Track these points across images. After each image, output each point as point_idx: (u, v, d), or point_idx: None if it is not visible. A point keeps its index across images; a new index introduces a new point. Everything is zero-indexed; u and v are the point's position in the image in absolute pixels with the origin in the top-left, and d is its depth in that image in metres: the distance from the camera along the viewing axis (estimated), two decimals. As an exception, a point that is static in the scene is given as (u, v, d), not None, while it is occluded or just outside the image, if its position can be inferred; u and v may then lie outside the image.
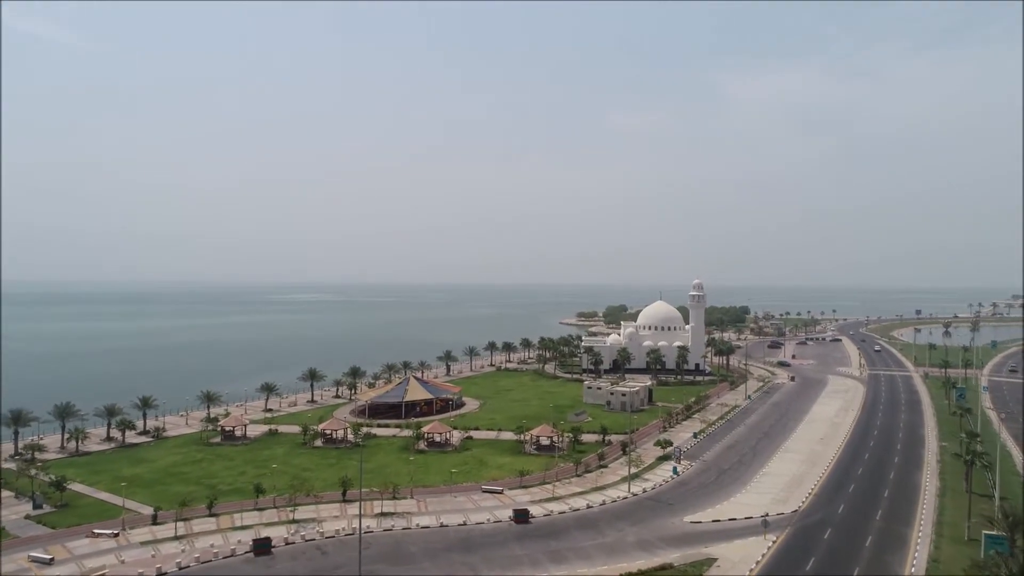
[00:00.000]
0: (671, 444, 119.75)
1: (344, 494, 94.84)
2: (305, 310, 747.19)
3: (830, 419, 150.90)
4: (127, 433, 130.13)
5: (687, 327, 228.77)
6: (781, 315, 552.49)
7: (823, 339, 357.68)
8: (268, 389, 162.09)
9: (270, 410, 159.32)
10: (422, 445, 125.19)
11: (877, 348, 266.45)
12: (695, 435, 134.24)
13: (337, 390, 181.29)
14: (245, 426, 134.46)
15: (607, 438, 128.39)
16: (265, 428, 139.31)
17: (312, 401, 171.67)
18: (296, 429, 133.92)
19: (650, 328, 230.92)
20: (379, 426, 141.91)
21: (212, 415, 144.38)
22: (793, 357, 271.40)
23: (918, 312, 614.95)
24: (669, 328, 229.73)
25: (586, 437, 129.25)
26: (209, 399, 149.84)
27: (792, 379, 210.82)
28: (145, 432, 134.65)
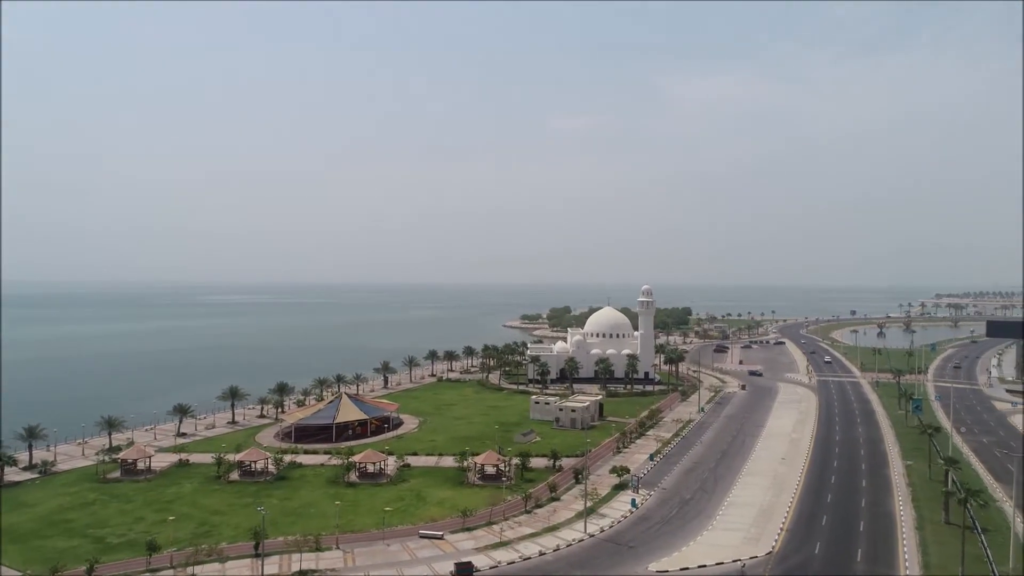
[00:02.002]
0: (627, 471, 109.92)
1: (257, 547, 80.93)
2: (233, 313, 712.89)
3: (788, 434, 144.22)
4: (7, 470, 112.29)
5: (636, 333, 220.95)
6: (723, 316, 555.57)
7: (767, 342, 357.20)
8: (182, 411, 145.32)
9: (183, 434, 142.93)
10: (353, 476, 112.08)
11: (828, 360, 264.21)
12: (651, 457, 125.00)
13: (262, 409, 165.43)
14: (149, 458, 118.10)
15: (558, 463, 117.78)
16: (175, 458, 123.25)
17: (233, 422, 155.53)
18: (211, 459, 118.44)
19: (598, 335, 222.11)
20: (306, 452, 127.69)
21: (113, 444, 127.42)
22: (740, 363, 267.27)
23: (853, 312, 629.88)
24: (617, 335, 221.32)
25: (535, 461, 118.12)
26: (110, 425, 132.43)
27: (743, 387, 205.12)
28: (31, 467, 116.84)
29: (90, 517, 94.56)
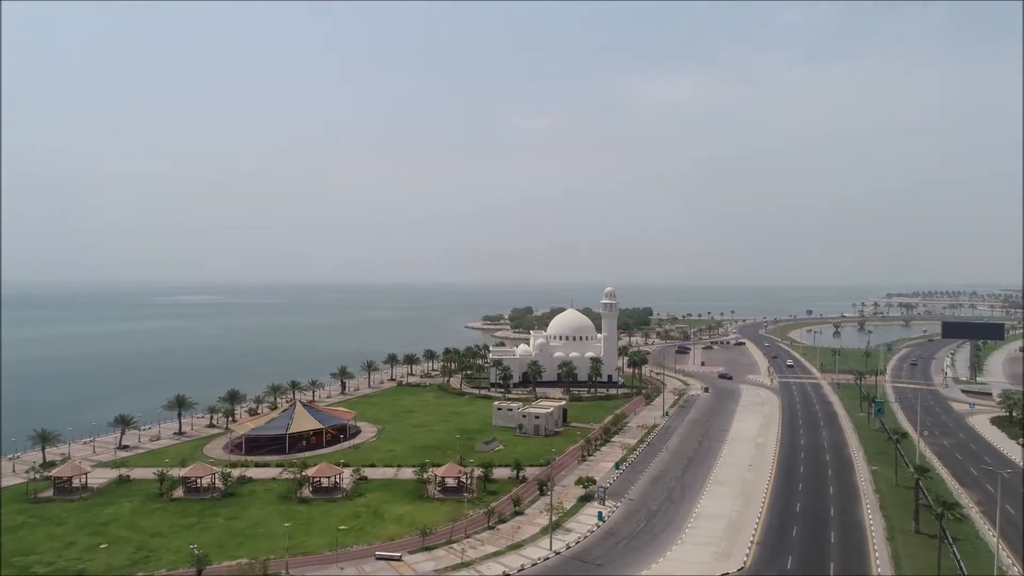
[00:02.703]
0: (593, 481, 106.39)
1: (198, 575, 75.08)
2: (187, 315, 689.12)
3: (753, 439, 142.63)
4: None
5: (599, 336, 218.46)
6: (684, 316, 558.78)
7: (727, 343, 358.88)
8: (123, 422, 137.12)
9: (125, 447, 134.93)
10: (307, 491, 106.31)
11: (790, 363, 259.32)
12: (616, 465, 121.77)
13: (211, 418, 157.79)
14: (86, 474, 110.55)
15: (522, 473, 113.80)
16: (114, 474, 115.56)
17: (180, 433, 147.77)
18: (153, 474, 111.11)
19: (561, 338, 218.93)
20: (256, 465, 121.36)
21: (47, 459, 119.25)
22: (702, 364, 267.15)
23: (809, 312, 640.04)
24: (581, 338, 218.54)
25: (498, 472, 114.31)
26: (44, 439, 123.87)
27: (706, 390, 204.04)
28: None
29: (16, 543, 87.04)
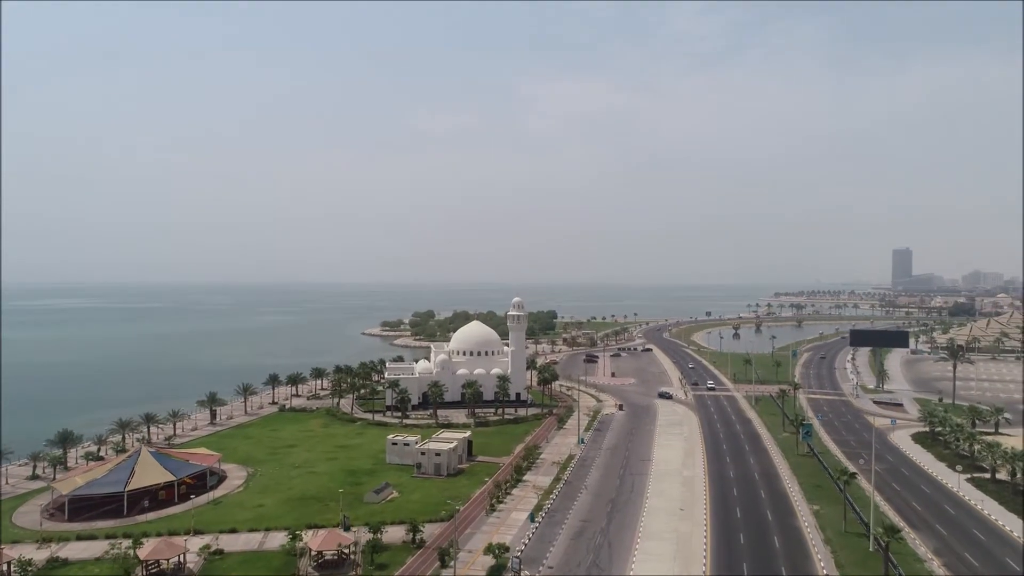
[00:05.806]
0: (506, 549, 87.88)
1: None
2: (39, 323, 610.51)
3: (679, 471, 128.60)
4: None
5: (506, 349, 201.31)
6: (588, 319, 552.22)
7: (635, 349, 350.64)
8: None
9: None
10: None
11: (711, 384, 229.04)
12: (531, 516, 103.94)
13: (35, 467, 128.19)
14: None
15: (419, 535, 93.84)
16: None
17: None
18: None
19: (465, 353, 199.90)
20: (80, 538, 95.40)
21: None
22: (613, 375, 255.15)
23: (708, 314, 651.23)
24: (487, 353, 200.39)
25: (391, 532, 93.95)
26: None
27: (620, 408, 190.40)
28: None
29: None
